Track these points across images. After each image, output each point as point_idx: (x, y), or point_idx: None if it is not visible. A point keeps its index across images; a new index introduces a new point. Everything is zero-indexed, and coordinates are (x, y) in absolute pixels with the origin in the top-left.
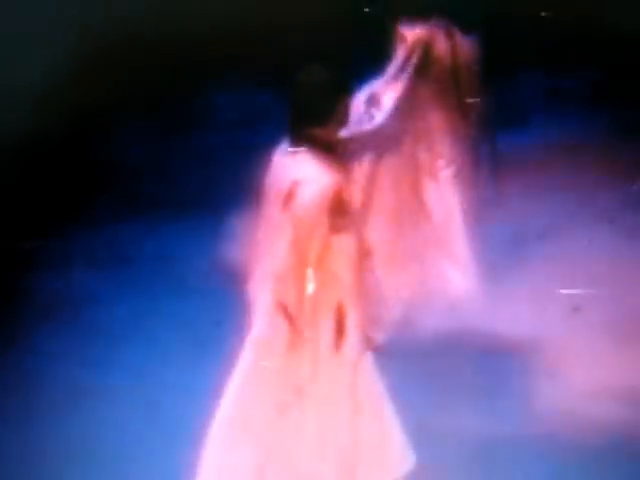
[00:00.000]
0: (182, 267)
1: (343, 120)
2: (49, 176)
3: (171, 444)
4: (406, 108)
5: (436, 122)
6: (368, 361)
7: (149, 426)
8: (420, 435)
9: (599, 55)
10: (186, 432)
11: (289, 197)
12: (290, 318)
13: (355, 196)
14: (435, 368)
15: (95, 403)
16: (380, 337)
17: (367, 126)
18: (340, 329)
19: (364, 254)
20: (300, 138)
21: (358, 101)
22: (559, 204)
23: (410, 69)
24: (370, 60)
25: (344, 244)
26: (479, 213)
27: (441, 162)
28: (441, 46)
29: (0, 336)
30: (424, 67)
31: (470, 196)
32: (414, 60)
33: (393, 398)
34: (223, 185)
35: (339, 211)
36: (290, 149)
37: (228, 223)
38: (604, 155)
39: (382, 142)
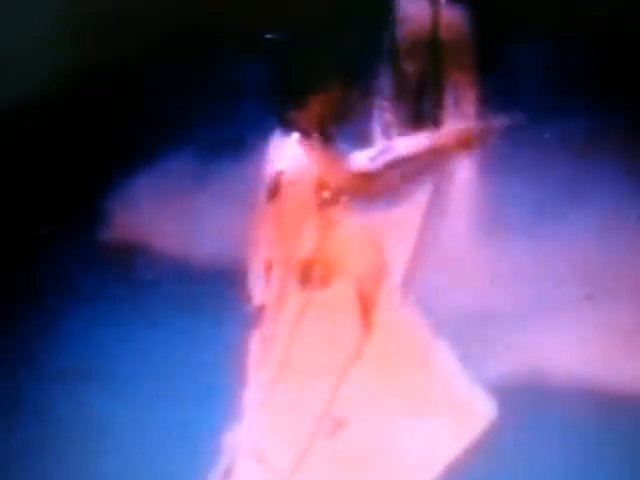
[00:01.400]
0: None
1: (334, 107)
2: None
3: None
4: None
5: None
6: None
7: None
8: None
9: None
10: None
11: (275, 188)
12: None
13: (347, 184)
14: None
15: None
16: None
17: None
18: (366, 316)
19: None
20: (288, 123)
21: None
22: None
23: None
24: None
25: (346, 232)
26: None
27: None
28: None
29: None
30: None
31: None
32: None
33: None
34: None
35: (326, 201)
36: (280, 134)
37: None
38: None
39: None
